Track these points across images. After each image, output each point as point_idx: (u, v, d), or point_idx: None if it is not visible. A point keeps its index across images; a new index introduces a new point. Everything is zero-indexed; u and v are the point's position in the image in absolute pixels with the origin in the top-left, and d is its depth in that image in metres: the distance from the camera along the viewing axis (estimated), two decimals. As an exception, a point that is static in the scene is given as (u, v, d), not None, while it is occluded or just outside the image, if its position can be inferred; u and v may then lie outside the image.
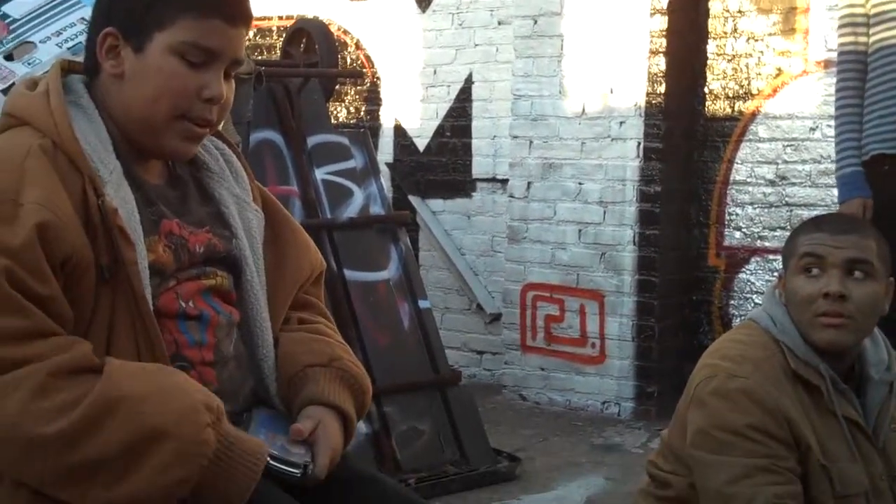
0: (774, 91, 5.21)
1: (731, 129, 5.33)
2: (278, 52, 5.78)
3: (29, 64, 3.50)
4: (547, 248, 5.52)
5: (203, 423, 1.51)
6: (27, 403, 1.47)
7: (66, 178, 1.57)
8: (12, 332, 1.49)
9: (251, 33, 6.76)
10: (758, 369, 2.14)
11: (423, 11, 6.25)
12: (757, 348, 2.18)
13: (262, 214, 1.85)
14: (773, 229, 5.20)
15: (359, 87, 6.56)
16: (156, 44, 1.64)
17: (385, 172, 6.08)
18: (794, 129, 5.14)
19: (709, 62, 5.38)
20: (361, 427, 3.98)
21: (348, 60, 6.53)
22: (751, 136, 5.28)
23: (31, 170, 1.56)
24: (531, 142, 5.57)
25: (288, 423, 1.72)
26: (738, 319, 5.23)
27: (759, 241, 5.27)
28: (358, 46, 6.57)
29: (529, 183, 5.57)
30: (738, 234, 5.33)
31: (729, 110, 5.34)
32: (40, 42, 3.55)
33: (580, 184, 5.42)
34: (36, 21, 3.60)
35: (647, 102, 5.22)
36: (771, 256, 5.17)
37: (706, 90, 5.39)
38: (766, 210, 5.23)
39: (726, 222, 5.36)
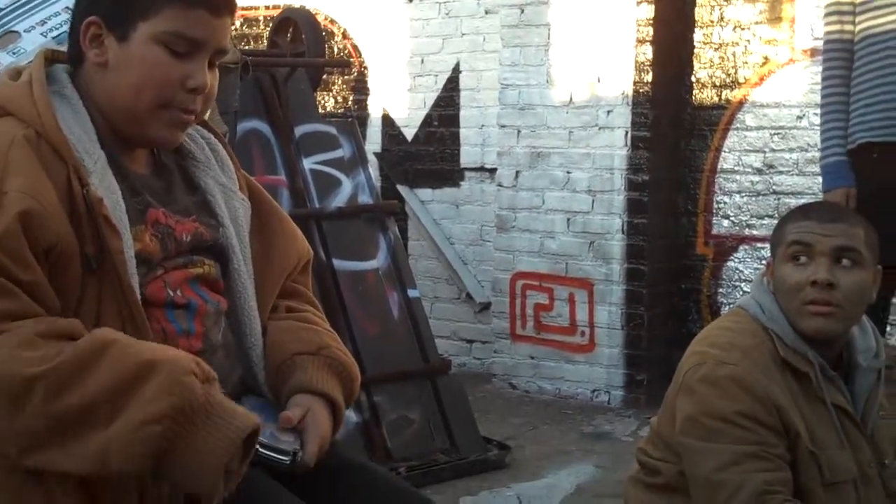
0: (761, 79, 5.21)
1: (719, 118, 5.33)
2: (265, 41, 5.75)
3: (13, 53, 3.47)
4: (536, 237, 5.52)
5: (190, 369, 1.48)
6: (13, 349, 1.45)
7: (50, 168, 1.56)
8: None
9: (238, 23, 6.75)
10: (746, 356, 2.14)
11: (410, 1, 6.23)
12: (746, 336, 2.18)
13: (249, 203, 1.85)
14: (761, 217, 5.21)
15: (346, 77, 6.54)
16: (140, 33, 1.63)
17: (373, 162, 6.07)
18: (781, 118, 5.15)
19: (696, 51, 5.38)
20: (352, 416, 3.98)
21: (335, 50, 6.51)
22: (738, 125, 5.28)
23: (15, 160, 1.55)
24: (519, 131, 5.56)
25: (277, 412, 1.71)
26: (726, 307, 5.24)
27: (746, 229, 5.28)
28: (345, 36, 6.55)
29: (517, 172, 5.57)
30: (725, 223, 5.34)
31: (716, 99, 5.35)
32: (25, 31, 3.53)
33: (568, 173, 5.42)
34: (20, 10, 3.58)
35: (635, 91, 5.23)
36: (759, 244, 5.18)
37: (693, 79, 5.39)
38: (753, 198, 5.24)
39: (714, 211, 5.36)
